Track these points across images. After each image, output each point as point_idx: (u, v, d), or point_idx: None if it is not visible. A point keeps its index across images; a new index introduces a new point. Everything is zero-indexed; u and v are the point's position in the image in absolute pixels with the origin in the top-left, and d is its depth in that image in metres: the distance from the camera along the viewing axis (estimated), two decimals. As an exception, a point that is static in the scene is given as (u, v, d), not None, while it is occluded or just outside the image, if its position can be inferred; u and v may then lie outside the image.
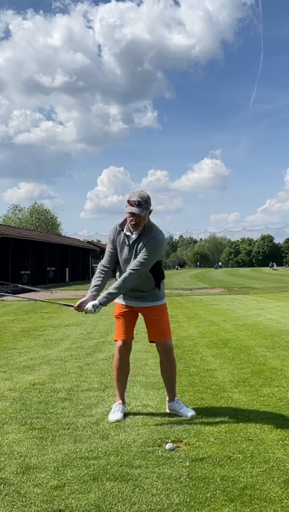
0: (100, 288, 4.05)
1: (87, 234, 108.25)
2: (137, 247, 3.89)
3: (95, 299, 3.96)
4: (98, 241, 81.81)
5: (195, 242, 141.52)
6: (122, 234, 3.95)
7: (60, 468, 3.01)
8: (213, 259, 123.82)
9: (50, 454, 3.22)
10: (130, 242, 3.91)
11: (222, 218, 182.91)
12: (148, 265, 3.85)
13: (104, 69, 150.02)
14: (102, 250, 53.79)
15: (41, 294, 23.19)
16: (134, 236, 3.91)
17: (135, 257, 3.88)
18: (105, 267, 4.07)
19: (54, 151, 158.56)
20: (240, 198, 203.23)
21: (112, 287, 3.90)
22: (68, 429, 3.70)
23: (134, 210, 3.74)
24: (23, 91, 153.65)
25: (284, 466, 2.95)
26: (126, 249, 3.93)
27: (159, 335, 4.04)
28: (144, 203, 3.76)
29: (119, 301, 4.09)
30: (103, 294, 3.94)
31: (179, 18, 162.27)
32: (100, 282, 4.06)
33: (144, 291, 3.98)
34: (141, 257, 3.83)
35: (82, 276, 44.66)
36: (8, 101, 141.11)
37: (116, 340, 4.12)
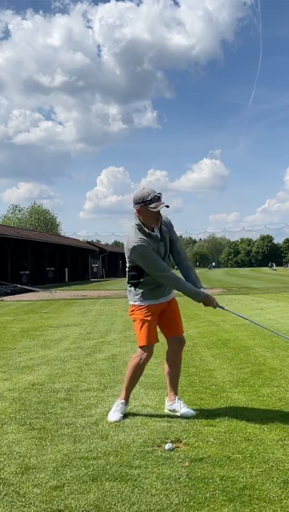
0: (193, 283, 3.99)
1: (87, 234, 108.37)
2: (165, 239, 3.92)
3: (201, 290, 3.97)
4: (98, 241, 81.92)
5: (194, 242, 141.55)
6: (149, 236, 3.83)
7: (60, 468, 3.01)
8: (213, 260, 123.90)
9: (49, 454, 3.22)
10: (161, 237, 3.89)
11: (221, 218, 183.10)
12: None
13: (104, 69, 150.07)
14: (102, 250, 53.90)
15: (40, 294, 23.19)
16: (156, 231, 3.88)
17: (166, 251, 3.90)
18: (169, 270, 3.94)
19: (53, 151, 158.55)
20: (239, 198, 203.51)
21: (197, 277, 4.03)
22: (68, 429, 3.70)
23: (165, 204, 3.75)
24: (23, 91, 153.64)
25: (283, 466, 2.96)
26: (162, 246, 3.89)
27: (181, 327, 4.11)
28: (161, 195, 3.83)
29: (148, 302, 3.92)
30: (200, 284, 4.02)
31: (179, 18, 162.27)
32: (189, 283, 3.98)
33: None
34: (179, 241, 3.99)
35: (81, 276, 44.65)
36: (7, 101, 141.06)
37: (144, 346, 3.92)
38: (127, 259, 3.96)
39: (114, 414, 3.89)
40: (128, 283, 4.00)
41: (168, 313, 4.04)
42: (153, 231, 3.84)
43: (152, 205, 3.72)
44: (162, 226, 3.90)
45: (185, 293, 3.90)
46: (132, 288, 3.98)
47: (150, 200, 3.72)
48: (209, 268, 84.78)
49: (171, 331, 4.07)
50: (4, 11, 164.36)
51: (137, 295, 3.95)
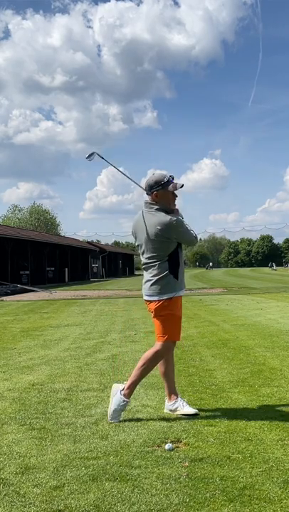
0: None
1: (87, 234, 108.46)
2: None
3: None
4: (98, 241, 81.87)
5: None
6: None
7: (60, 468, 3.01)
8: (213, 260, 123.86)
9: (49, 454, 3.22)
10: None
11: (221, 218, 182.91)
12: None
13: (104, 69, 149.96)
14: (102, 250, 53.90)
15: (40, 294, 23.19)
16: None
17: None
18: None
19: (53, 151, 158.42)
20: (239, 198, 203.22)
21: None
22: (68, 429, 3.70)
23: (181, 184, 3.92)
24: (23, 91, 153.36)
25: (283, 466, 2.96)
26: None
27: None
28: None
29: (180, 292, 3.94)
30: None
31: (179, 18, 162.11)
32: None
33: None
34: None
35: (81, 276, 44.65)
36: (7, 101, 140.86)
37: (173, 341, 3.97)
38: (152, 251, 3.90)
39: (120, 414, 3.87)
40: (170, 274, 3.88)
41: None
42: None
43: (170, 186, 3.86)
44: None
45: (194, 237, 4.00)
46: (171, 278, 3.88)
47: (167, 181, 3.85)
48: (207, 268, 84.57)
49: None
50: (4, 10, 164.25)
51: (174, 285, 3.89)
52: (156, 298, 3.89)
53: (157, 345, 3.94)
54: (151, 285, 3.91)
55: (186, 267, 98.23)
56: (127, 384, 3.98)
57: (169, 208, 3.92)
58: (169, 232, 3.82)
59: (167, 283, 3.88)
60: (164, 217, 3.82)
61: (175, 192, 3.94)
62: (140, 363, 3.98)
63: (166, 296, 3.88)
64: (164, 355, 3.97)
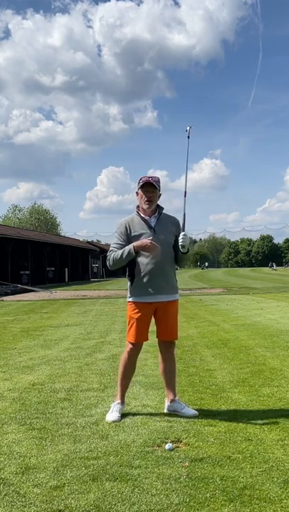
0: (165, 282, 3.97)
1: (87, 234, 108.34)
2: (159, 230, 3.93)
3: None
4: (98, 241, 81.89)
5: (194, 242, 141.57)
6: (139, 220, 3.96)
7: (60, 468, 3.01)
8: (213, 259, 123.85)
9: (49, 454, 3.22)
10: (152, 225, 3.94)
11: (221, 218, 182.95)
12: None
13: (105, 68, 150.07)
14: (102, 250, 53.85)
15: (40, 294, 23.20)
16: (153, 219, 3.96)
17: (157, 241, 3.86)
18: None
19: (54, 151, 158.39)
20: (239, 198, 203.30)
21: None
22: (68, 429, 3.70)
23: (148, 182, 3.88)
24: (23, 91, 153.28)
25: (283, 466, 2.96)
26: (149, 233, 3.91)
27: (173, 334, 4.05)
28: (156, 179, 3.93)
29: (136, 299, 3.96)
30: None
31: (179, 18, 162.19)
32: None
33: (167, 281, 3.95)
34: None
35: (81, 276, 44.66)
36: (7, 101, 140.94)
37: (130, 342, 4.01)
38: None
39: (111, 415, 3.90)
40: (128, 278, 4.06)
41: (160, 315, 4.01)
42: (150, 217, 3.97)
43: (138, 187, 3.93)
44: (162, 217, 3.98)
45: (119, 258, 3.90)
46: (128, 283, 4.05)
47: (139, 182, 3.93)
48: (202, 268, 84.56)
49: (160, 334, 4.06)
50: (4, 10, 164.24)
51: (129, 291, 4.03)
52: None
53: None
54: None
55: (185, 267, 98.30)
56: None
57: (144, 210, 3.97)
58: None
59: (128, 286, 4.05)
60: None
61: (140, 191, 3.93)
62: None
63: (128, 298, 4.05)
64: (126, 355, 4.04)
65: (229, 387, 4.75)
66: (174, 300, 4.04)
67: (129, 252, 3.83)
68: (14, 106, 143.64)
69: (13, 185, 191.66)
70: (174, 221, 4.05)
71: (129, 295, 4.03)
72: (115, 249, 3.96)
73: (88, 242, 58.41)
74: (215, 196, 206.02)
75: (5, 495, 2.68)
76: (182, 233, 3.90)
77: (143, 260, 3.89)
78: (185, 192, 4.05)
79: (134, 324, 3.96)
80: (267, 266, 78.31)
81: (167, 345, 4.08)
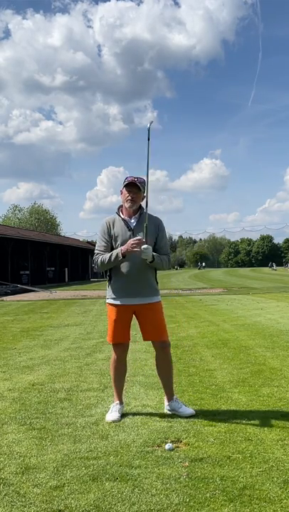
0: (143, 286, 3.92)
1: (87, 234, 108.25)
2: (139, 230, 3.90)
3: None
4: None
5: (194, 242, 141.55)
6: (120, 220, 3.96)
7: (60, 468, 3.01)
8: (213, 260, 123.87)
9: (49, 454, 3.22)
10: (132, 226, 3.93)
11: (221, 218, 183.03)
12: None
13: (105, 68, 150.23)
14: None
15: (40, 294, 23.20)
16: (133, 220, 3.95)
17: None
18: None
19: (54, 151, 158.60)
20: (239, 198, 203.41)
21: (160, 256, 3.93)
22: (68, 429, 3.70)
23: (132, 183, 3.87)
24: (23, 90, 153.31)
25: (283, 466, 2.96)
26: (128, 234, 3.90)
27: (158, 334, 3.99)
28: (141, 180, 3.91)
29: (113, 301, 3.99)
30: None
31: (179, 18, 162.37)
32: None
33: (144, 284, 3.91)
34: (164, 241, 3.99)
35: (81, 276, 44.65)
36: (7, 100, 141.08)
37: (110, 343, 4.07)
38: None
39: (111, 415, 3.91)
40: (106, 277, 4.11)
41: (141, 317, 4.00)
42: (130, 218, 3.96)
43: (123, 185, 3.94)
44: (142, 217, 3.94)
45: (107, 262, 3.88)
46: (107, 284, 4.07)
47: (124, 181, 3.95)
48: (199, 268, 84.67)
49: (144, 335, 4.06)
50: (4, 10, 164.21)
51: (107, 292, 4.05)
52: None
53: None
54: None
55: (185, 267, 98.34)
56: None
57: (126, 209, 3.98)
58: None
59: (107, 287, 4.08)
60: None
61: (124, 190, 3.93)
62: None
63: (106, 299, 4.09)
64: (112, 356, 4.08)
65: (229, 387, 4.75)
66: (153, 302, 3.96)
67: (116, 255, 3.83)
68: (14, 106, 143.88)
69: (13, 185, 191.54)
70: (154, 222, 3.98)
71: (107, 296, 4.06)
72: (101, 251, 3.96)
73: (88, 242, 58.35)
74: (215, 196, 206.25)
75: (5, 495, 2.68)
76: (144, 246, 3.78)
77: (121, 262, 3.90)
78: (146, 202, 3.89)
79: (112, 325, 4.00)
80: (267, 266, 78.35)
81: (158, 346, 4.03)
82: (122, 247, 3.82)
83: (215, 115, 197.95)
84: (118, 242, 3.92)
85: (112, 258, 3.85)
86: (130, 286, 3.89)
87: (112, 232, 3.95)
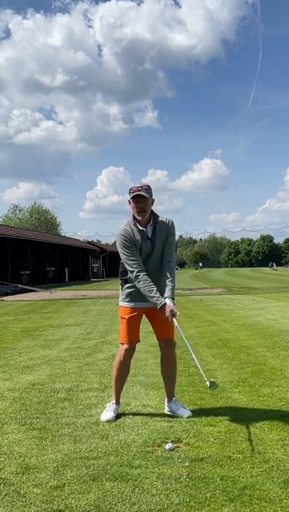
0: (159, 290, 3.85)
1: (87, 234, 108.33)
2: (156, 239, 3.91)
3: (164, 299, 3.79)
4: (98, 241, 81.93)
5: (195, 242, 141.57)
6: (136, 230, 3.90)
7: (60, 468, 3.01)
8: (213, 260, 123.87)
9: (49, 454, 3.22)
10: (150, 235, 3.91)
11: (222, 218, 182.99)
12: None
13: (105, 68, 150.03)
14: (102, 250, 53.87)
15: (40, 294, 23.20)
16: (149, 229, 3.93)
17: (154, 251, 3.89)
18: (144, 270, 3.86)
19: (54, 151, 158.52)
20: (240, 198, 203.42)
21: (171, 282, 3.85)
22: (68, 429, 3.70)
23: (140, 193, 3.80)
24: (23, 90, 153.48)
25: (284, 466, 2.96)
26: (148, 244, 3.90)
27: (168, 332, 4.03)
28: (146, 187, 3.85)
29: (127, 304, 4.01)
30: (169, 290, 3.82)
31: (180, 18, 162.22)
32: (155, 287, 3.81)
33: (158, 288, 3.87)
34: (171, 246, 3.93)
35: (81, 276, 44.65)
36: (8, 100, 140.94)
37: (122, 344, 4.04)
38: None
39: (106, 414, 3.92)
40: (120, 279, 4.09)
41: (152, 317, 4.03)
42: (146, 227, 3.92)
43: (130, 197, 3.87)
44: (157, 226, 3.93)
45: (143, 292, 3.82)
46: (121, 286, 4.08)
47: (129, 193, 3.87)
48: (196, 268, 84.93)
49: (157, 334, 4.09)
50: (5, 10, 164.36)
51: (121, 294, 4.07)
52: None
53: None
54: None
55: (185, 267, 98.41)
56: None
57: (138, 219, 3.92)
58: (117, 245, 4.02)
59: (120, 289, 4.11)
60: (118, 229, 3.97)
61: (132, 202, 3.86)
62: None
63: (120, 302, 4.10)
64: (120, 357, 4.06)
65: (229, 387, 4.75)
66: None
67: (154, 300, 3.77)
68: (14, 106, 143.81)
69: (13, 185, 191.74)
70: (164, 226, 3.95)
71: (120, 298, 4.08)
72: (135, 264, 3.83)
73: (88, 242, 58.42)
74: (215, 196, 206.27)
75: (5, 495, 2.68)
76: (170, 303, 3.82)
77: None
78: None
79: (126, 326, 4.00)
80: (267, 266, 78.29)
81: (165, 344, 4.05)
82: (166, 309, 3.74)
83: (215, 115, 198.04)
84: (144, 251, 3.92)
85: (147, 296, 3.79)
86: None
87: (134, 240, 3.88)
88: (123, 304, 4.04)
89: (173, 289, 3.87)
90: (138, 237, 3.89)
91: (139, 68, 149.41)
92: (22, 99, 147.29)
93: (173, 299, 3.82)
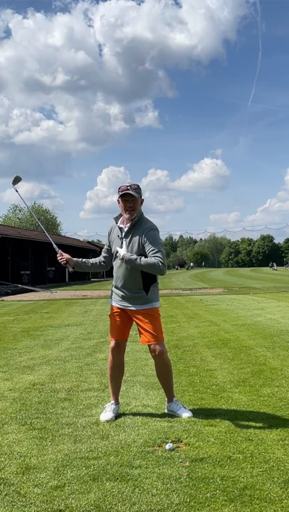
0: (128, 285, 3.98)
1: (87, 234, 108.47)
2: (130, 238, 3.91)
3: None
4: (98, 241, 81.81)
5: (195, 242, 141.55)
6: (116, 227, 4.03)
7: (60, 468, 3.01)
8: (214, 259, 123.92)
9: (50, 454, 3.22)
10: (123, 234, 3.95)
11: (222, 218, 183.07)
12: (164, 254, 3.91)
13: (106, 68, 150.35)
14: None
15: (41, 294, 23.20)
16: (126, 228, 3.95)
17: (128, 250, 3.89)
18: (103, 261, 4.25)
19: (54, 151, 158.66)
20: (240, 197, 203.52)
21: (142, 259, 3.81)
22: (68, 429, 3.70)
23: (129, 191, 3.84)
24: (24, 90, 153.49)
25: (284, 466, 2.95)
26: (118, 242, 3.97)
27: (150, 339, 3.95)
28: (135, 186, 3.89)
29: (110, 301, 4.22)
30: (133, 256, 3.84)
31: (181, 17, 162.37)
32: (91, 261, 4.26)
33: (131, 293, 3.96)
34: (155, 248, 3.80)
35: (82, 276, 44.64)
36: (8, 100, 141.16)
37: (111, 339, 4.21)
38: None
39: (104, 414, 3.93)
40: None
41: (136, 322, 4.05)
42: (124, 226, 3.97)
43: (118, 196, 3.94)
44: (136, 224, 3.91)
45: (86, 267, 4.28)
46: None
47: (118, 192, 3.94)
48: (187, 269, 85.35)
49: (141, 339, 4.07)
50: (5, 10, 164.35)
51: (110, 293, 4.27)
52: None
53: None
54: None
55: (185, 267, 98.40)
56: None
57: (124, 217, 3.97)
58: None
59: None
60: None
61: (121, 200, 3.90)
62: None
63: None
64: (109, 354, 4.23)
65: (230, 387, 4.75)
66: (140, 310, 3.96)
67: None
68: (15, 105, 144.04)
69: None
70: (144, 228, 3.89)
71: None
72: (101, 254, 4.28)
73: (89, 242, 58.40)
74: (215, 196, 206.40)
75: (5, 495, 2.68)
76: (119, 248, 3.91)
77: (114, 266, 4.08)
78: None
79: (110, 322, 4.26)
80: (267, 266, 78.33)
81: (151, 351, 3.99)
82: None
83: (215, 115, 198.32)
84: (113, 249, 4.05)
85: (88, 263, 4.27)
86: (120, 290, 4.06)
87: (110, 237, 4.11)
88: (109, 301, 4.27)
89: (141, 257, 3.80)
90: (114, 232, 4.03)
91: (140, 68, 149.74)
92: (22, 99, 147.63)
93: (132, 256, 3.80)
